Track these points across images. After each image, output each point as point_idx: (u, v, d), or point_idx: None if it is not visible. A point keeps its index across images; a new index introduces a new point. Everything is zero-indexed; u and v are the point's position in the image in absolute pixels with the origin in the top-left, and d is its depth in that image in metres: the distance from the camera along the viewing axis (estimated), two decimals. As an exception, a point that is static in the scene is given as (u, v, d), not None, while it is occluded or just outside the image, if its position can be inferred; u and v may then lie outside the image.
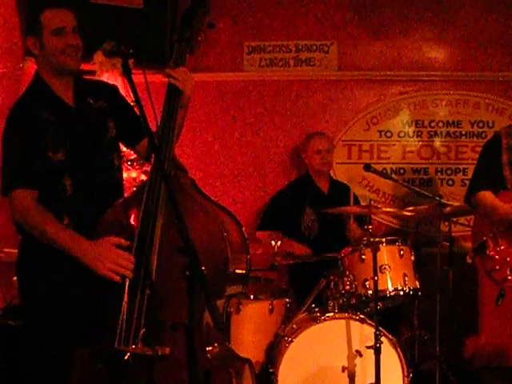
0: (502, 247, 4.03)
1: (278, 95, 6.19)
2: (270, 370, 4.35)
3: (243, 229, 3.23)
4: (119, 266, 2.94)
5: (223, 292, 3.12)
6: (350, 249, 4.57)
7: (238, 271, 3.09)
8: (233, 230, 3.13)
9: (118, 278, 2.95)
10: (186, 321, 2.64)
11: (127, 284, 2.93)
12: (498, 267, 4.05)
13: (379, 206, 5.14)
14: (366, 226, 4.32)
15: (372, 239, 4.24)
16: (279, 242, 4.70)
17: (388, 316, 4.68)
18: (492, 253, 4.09)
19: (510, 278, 3.99)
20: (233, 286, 3.15)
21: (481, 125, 6.21)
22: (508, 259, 4.00)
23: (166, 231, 2.94)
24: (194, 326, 2.63)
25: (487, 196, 4.13)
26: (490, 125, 6.17)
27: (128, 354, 2.84)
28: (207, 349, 2.99)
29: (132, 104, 3.48)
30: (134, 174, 5.30)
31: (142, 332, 2.87)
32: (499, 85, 6.22)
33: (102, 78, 4.96)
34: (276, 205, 5.62)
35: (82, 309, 3.10)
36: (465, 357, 5.99)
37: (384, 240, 4.48)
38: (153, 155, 3.07)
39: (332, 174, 5.87)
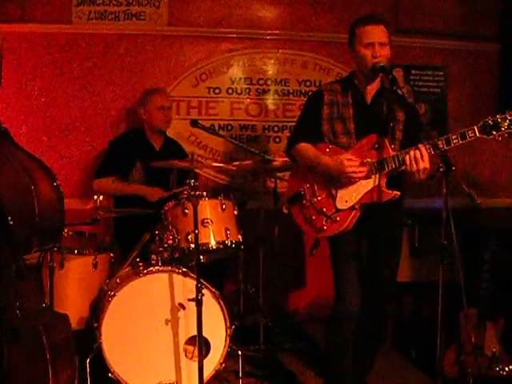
0: (319, 198, 4.11)
1: (106, 49, 6.09)
2: (95, 325, 4.32)
3: (57, 183, 3.15)
4: None
5: (30, 246, 3.05)
6: (174, 202, 4.60)
7: (48, 226, 3.03)
8: (45, 183, 3.05)
9: None
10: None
11: None
12: (314, 217, 4.13)
13: (203, 160, 5.17)
14: (188, 180, 4.31)
15: (193, 192, 4.25)
16: (101, 197, 4.66)
17: (213, 270, 4.74)
18: (308, 203, 4.17)
19: (325, 227, 4.07)
20: (43, 240, 3.09)
21: (308, 84, 6.37)
22: (324, 209, 4.08)
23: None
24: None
25: (308, 147, 4.18)
26: (317, 84, 6.33)
27: None
28: (16, 305, 2.94)
29: None
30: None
31: None
32: (326, 45, 6.38)
33: None
34: (113, 151, 5.53)
35: None
36: (290, 310, 6.25)
37: (205, 194, 4.51)
38: None
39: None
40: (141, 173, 5.41)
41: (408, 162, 3.79)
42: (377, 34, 4.05)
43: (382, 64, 3.98)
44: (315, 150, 4.15)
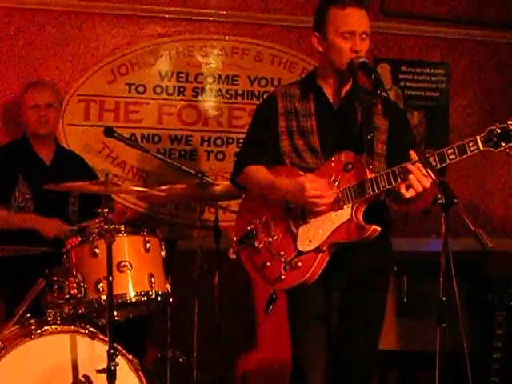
0: (276, 237, 4.06)
1: (-9, 29, 6.05)
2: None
3: None
4: None
5: None
6: (79, 239, 4.56)
7: None
8: None
9: None
10: None
11: None
12: (269, 263, 4.07)
13: (120, 182, 5.15)
14: (100, 210, 4.30)
15: (107, 226, 4.23)
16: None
17: (132, 331, 4.78)
18: (262, 245, 4.13)
19: (283, 277, 4.00)
20: None
21: (263, 82, 6.45)
22: (282, 253, 4.02)
23: None
24: None
25: (258, 170, 4.14)
26: (276, 83, 6.40)
27: None
28: None
29: None
30: None
31: None
32: (289, 32, 6.46)
33: None
34: None
35: None
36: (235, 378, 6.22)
37: (123, 228, 4.52)
38: None
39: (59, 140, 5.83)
40: (26, 197, 5.40)
41: (414, 181, 3.67)
42: (360, 20, 3.97)
43: (362, 59, 3.90)
44: (267, 172, 4.12)
